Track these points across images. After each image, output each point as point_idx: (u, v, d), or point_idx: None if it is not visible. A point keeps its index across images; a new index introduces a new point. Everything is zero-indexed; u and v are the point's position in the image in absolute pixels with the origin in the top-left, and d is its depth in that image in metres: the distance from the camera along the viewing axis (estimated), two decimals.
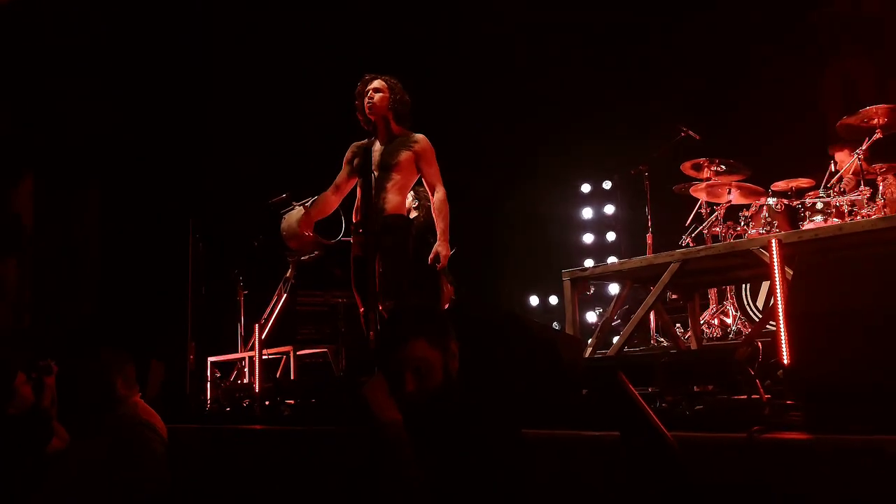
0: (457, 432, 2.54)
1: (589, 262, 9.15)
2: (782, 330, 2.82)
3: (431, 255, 4.69)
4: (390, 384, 2.39)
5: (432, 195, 4.80)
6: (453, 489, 2.47)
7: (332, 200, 5.18)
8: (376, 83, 4.89)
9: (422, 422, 2.50)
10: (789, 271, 3.62)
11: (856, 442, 2.18)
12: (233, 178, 7.53)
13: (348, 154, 5.11)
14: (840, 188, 5.72)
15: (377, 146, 4.86)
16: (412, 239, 5.11)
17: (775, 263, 3.19)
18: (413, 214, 6.04)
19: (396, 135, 4.88)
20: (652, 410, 3.32)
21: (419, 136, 4.84)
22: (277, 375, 6.33)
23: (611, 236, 9.20)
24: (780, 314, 3.05)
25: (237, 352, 6.84)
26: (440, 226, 4.70)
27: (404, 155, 4.78)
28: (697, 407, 3.15)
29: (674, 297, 6.61)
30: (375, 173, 4.78)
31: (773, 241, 3.25)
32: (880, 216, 5.55)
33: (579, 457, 2.73)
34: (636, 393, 1.93)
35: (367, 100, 4.86)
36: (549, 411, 3.04)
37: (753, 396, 2.77)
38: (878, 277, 2.41)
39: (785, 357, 2.87)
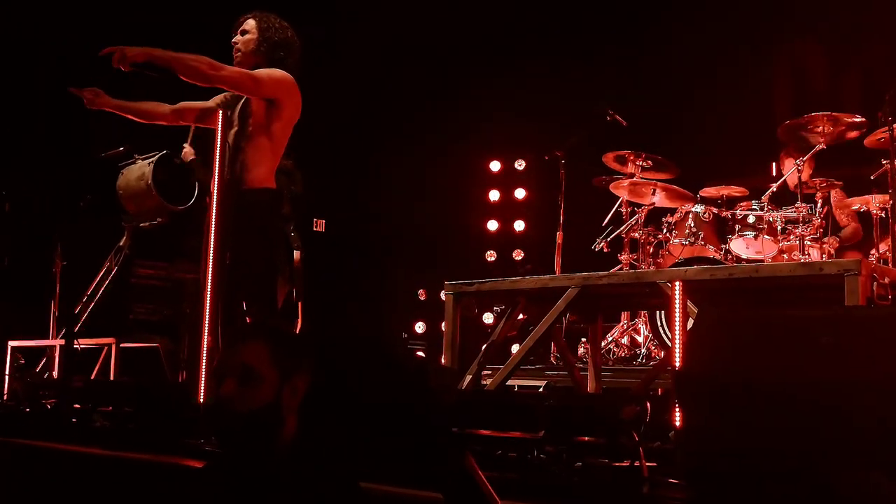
0: (286, 476, 2.53)
1: (491, 255, 9.24)
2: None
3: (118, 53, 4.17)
4: (215, 381, 2.45)
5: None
6: None
7: (161, 112, 4.69)
8: (246, 23, 4.65)
9: (248, 455, 2.49)
10: (694, 309, 3.73)
11: None
12: (55, 124, 7.18)
13: (218, 97, 4.80)
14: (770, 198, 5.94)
15: (244, 97, 4.63)
16: (279, 220, 4.92)
17: (677, 309, 3.27)
18: None
19: None
20: (532, 459, 3.39)
21: (276, 70, 4.41)
22: (93, 375, 6.13)
23: (519, 225, 9.28)
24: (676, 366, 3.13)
25: (48, 337, 6.60)
26: (175, 55, 4.16)
27: (256, 99, 4.42)
28: (577, 464, 3.22)
29: (572, 319, 6.72)
30: (235, 128, 4.55)
31: (677, 283, 3.34)
32: (816, 237, 5.80)
33: None
34: (482, 478, 1.93)
35: (233, 44, 4.63)
36: (405, 459, 3.04)
37: (636, 464, 2.84)
38: (783, 345, 2.49)
39: (677, 419, 2.95)
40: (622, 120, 6.92)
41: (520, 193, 9.33)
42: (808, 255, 5.65)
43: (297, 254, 6.26)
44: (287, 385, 2.49)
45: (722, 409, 2.50)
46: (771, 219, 5.83)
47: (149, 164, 6.49)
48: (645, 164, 6.60)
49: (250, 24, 4.57)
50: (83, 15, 7.23)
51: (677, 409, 2.95)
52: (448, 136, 8.57)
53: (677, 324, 3.28)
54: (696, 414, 2.56)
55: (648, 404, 2.94)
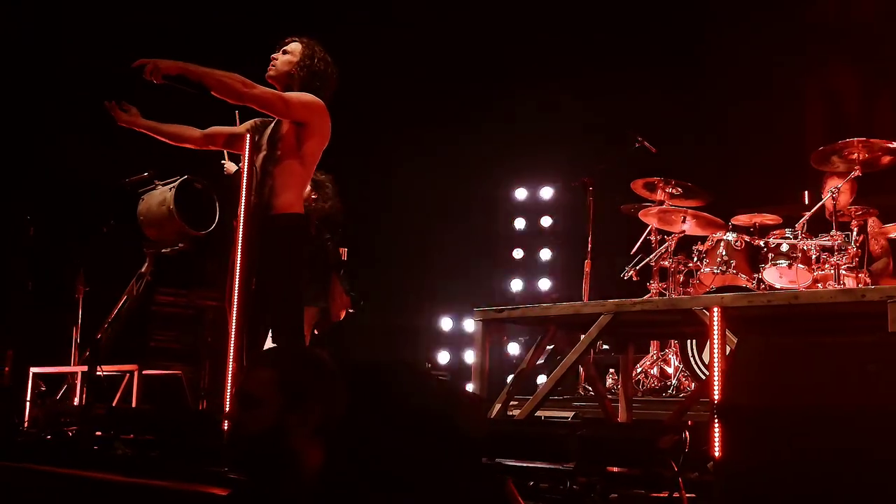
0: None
1: (517, 284, 9.22)
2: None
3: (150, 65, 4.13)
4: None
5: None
6: None
7: (192, 135, 4.71)
8: (291, 45, 4.65)
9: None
10: (733, 338, 3.70)
11: None
12: (80, 150, 7.26)
13: (247, 123, 4.83)
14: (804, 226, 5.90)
15: (274, 122, 4.65)
16: (307, 246, 4.91)
17: (715, 335, 3.24)
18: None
19: None
20: (565, 490, 3.35)
21: (307, 94, 4.43)
22: (115, 402, 6.15)
23: (546, 254, 9.27)
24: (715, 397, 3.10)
25: (70, 363, 6.63)
26: (208, 70, 4.21)
27: (286, 123, 4.44)
28: (612, 496, 3.19)
29: (604, 347, 6.68)
30: (263, 152, 4.56)
31: (716, 309, 3.31)
32: (851, 266, 5.74)
33: None
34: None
35: (271, 59, 4.64)
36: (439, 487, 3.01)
37: (675, 496, 2.80)
38: (828, 373, 2.46)
39: (716, 448, 2.91)
40: (651, 146, 6.92)
41: (546, 221, 9.32)
42: (844, 284, 5.59)
43: (346, 299, 6.27)
44: (296, 411, 2.47)
45: (765, 439, 2.47)
46: (805, 247, 5.78)
47: (170, 189, 6.53)
48: (675, 191, 6.57)
49: (295, 46, 4.57)
50: (112, 35, 7.33)
51: (716, 439, 2.91)
52: (473, 163, 8.59)
53: (716, 351, 3.25)
54: (738, 444, 2.52)
55: (687, 434, 2.90)
